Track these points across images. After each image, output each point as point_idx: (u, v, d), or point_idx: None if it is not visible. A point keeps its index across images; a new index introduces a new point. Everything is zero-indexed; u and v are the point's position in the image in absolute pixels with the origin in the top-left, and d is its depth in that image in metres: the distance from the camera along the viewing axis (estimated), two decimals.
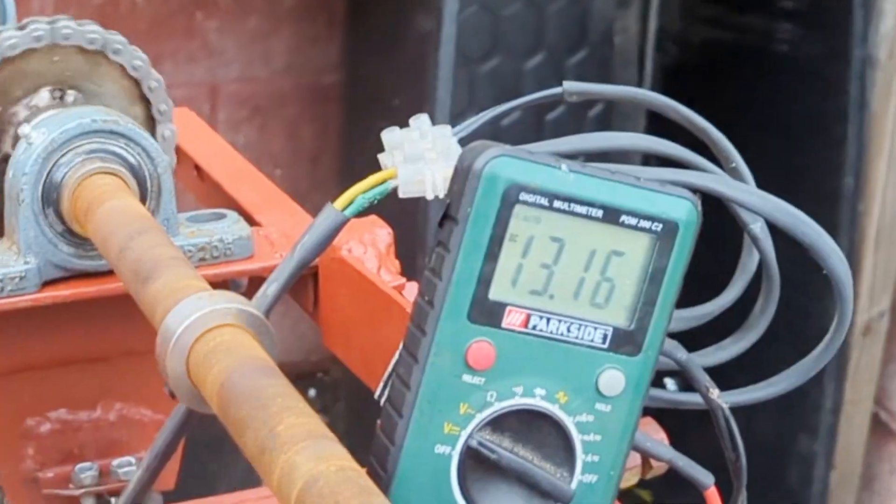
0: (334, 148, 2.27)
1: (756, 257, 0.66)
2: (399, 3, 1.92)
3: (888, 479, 2.02)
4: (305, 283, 0.81)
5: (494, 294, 0.55)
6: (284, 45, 2.23)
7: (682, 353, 0.62)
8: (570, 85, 0.68)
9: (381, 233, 0.78)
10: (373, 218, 0.80)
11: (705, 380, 0.62)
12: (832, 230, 1.86)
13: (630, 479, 0.64)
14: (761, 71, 1.95)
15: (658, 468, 0.64)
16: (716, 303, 0.66)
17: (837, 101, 1.84)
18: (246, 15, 2.19)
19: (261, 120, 2.27)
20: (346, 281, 0.77)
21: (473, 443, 0.56)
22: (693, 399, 0.64)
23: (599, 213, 0.56)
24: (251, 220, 0.86)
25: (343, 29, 2.18)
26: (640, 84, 2.08)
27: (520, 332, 0.56)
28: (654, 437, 0.63)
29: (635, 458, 0.64)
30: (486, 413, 0.56)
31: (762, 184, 2.02)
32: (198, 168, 0.95)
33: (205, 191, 0.94)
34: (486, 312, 0.55)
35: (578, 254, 0.56)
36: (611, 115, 2.11)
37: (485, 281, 0.55)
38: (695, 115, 0.67)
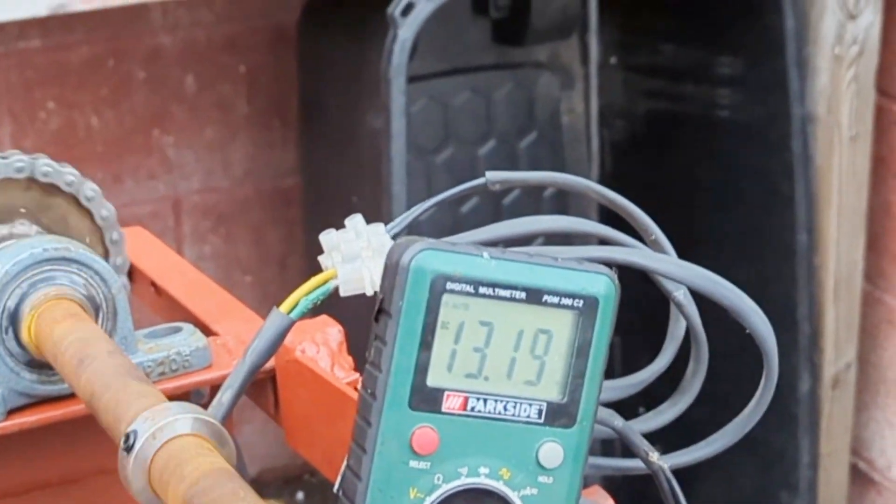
0: (301, 249, 2.30)
1: (683, 324, 0.69)
2: (348, 102, 1.96)
3: None
4: (265, 386, 0.84)
5: (432, 381, 0.58)
6: (242, 152, 2.27)
7: (618, 421, 0.65)
8: (492, 175, 0.71)
9: (333, 331, 0.81)
10: (324, 318, 0.83)
11: (644, 444, 0.65)
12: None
13: None
14: (706, 138, 2.00)
15: None
16: (649, 370, 0.69)
17: (782, 160, 1.88)
18: (202, 127, 2.23)
19: (226, 228, 2.31)
20: (302, 381, 0.80)
21: None
22: (636, 464, 0.67)
23: (523, 294, 0.59)
24: (208, 331, 0.89)
25: (298, 132, 2.23)
26: (590, 160, 2.13)
27: (459, 415, 0.59)
28: (603, 503, 0.66)
29: None
30: (435, 495, 0.59)
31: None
32: (154, 284, 0.98)
33: (162, 305, 0.97)
34: (426, 399, 0.58)
35: (507, 335, 0.59)
36: (567, 196, 2.15)
37: (422, 369, 0.58)
38: (611, 193, 0.70)
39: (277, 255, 2.32)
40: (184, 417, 0.63)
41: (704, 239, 1.99)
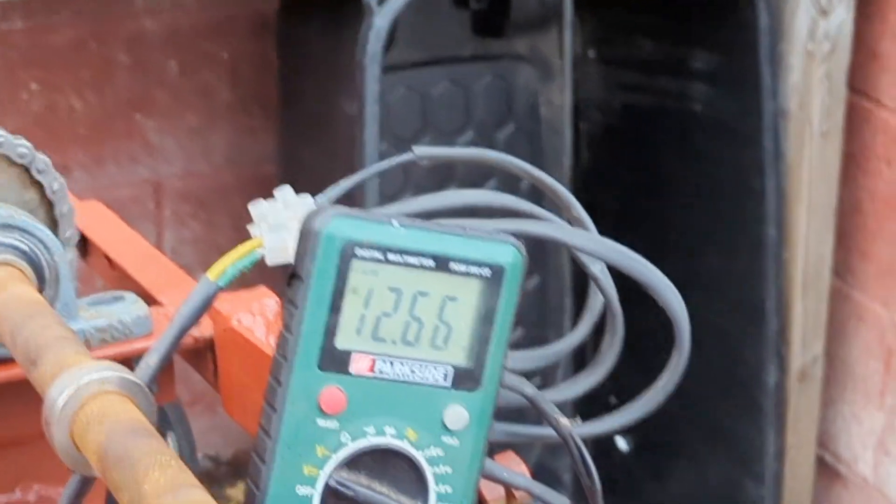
0: None
1: (601, 298, 0.71)
2: (325, 89, 1.98)
3: None
4: (204, 354, 0.86)
5: (341, 343, 0.60)
6: (223, 139, 2.29)
7: (529, 388, 0.67)
8: (419, 150, 0.73)
9: (269, 302, 0.83)
10: (261, 289, 0.85)
11: (554, 411, 0.67)
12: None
13: None
14: (679, 131, 2.02)
15: (521, 498, 0.69)
16: (566, 341, 0.71)
17: (754, 155, 1.90)
18: (183, 112, 2.25)
19: (206, 214, 2.32)
20: (238, 350, 0.82)
21: (332, 482, 0.61)
22: (547, 432, 0.68)
23: (431, 262, 0.61)
24: (153, 301, 0.91)
25: (277, 119, 2.24)
26: (564, 152, 2.14)
27: (367, 377, 0.61)
28: (515, 468, 0.68)
29: (499, 490, 0.69)
30: (342, 454, 0.61)
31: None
32: (107, 257, 1.00)
33: (115, 277, 0.99)
34: (335, 360, 0.61)
35: (415, 301, 0.61)
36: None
37: (331, 332, 0.60)
38: (534, 169, 0.72)
39: None
40: (108, 375, 0.65)
41: (675, 231, 2.01)
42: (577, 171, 2.16)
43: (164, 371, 0.86)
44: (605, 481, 2.06)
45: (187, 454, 1.04)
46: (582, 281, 1.91)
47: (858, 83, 1.91)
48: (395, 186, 2.04)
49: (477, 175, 2.04)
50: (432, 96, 2.10)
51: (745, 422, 1.98)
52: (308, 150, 2.09)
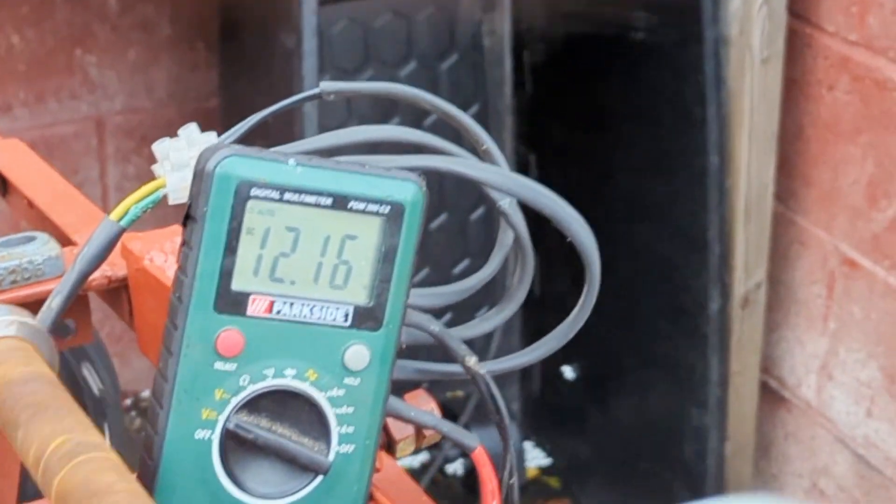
0: None
1: (511, 232, 0.71)
2: (263, 22, 1.96)
3: (783, 445, 2.08)
4: (120, 294, 0.85)
5: (237, 285, 0.60)
6: (165, 73, 2.26)
7: (434, 326, 0.66)
8: (326, 84, 0.72)
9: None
10: (174, 227, 0.84)
11: (461, 349, 0.66)
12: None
13: (406, 449, 0.68)
14: (621, 60, 2.00)
15: (432, 436, 0.68)
16: (477, 277, 0.70)
17: (695, 83, 1.89)
18: (125, 47, 2.22)
19: (149, 149, 2.30)
20: (150, 289, 0.80)
21: (231, 425, 0.60)
22: (458, 369, 0.68)
23: (329, 200, 0.60)
24: (68, 241, 0.90)
25: (218, 53, 2.22)
26: (504, 82, 2.13)
27: (265, 318, 0.60)
28: (424, 407, 0.67)
29: (408, 429, 0.68)
30: (241, 396, 0.60)
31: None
32: (26, 197, 0.98)
33: (34, 218, 0.98)
34: (231, 302, 0.60)
35: (314, 240, 0.60)
36: (486, 116, 2.15)
37: (227, 273, 0.59)
38: (444, 103, 0.71)
39: None
40: (5, 320, 0.64)
41: (618, 160, 2.01)
42: (521, 101, 2.15)
43: (80, 312, 0.85)
44: (551, 410, 2.07)
45: (110, 395, 1.03)
46: (526, 212, 1.91)
47: (799, 8, 1.90)
48: (338, 122, 2.03)
49: (420, 109, 2.03)
50: (374, 28, 2.08)
51: (689, 349, 1.99)
52: (248, 84, 2.07)
